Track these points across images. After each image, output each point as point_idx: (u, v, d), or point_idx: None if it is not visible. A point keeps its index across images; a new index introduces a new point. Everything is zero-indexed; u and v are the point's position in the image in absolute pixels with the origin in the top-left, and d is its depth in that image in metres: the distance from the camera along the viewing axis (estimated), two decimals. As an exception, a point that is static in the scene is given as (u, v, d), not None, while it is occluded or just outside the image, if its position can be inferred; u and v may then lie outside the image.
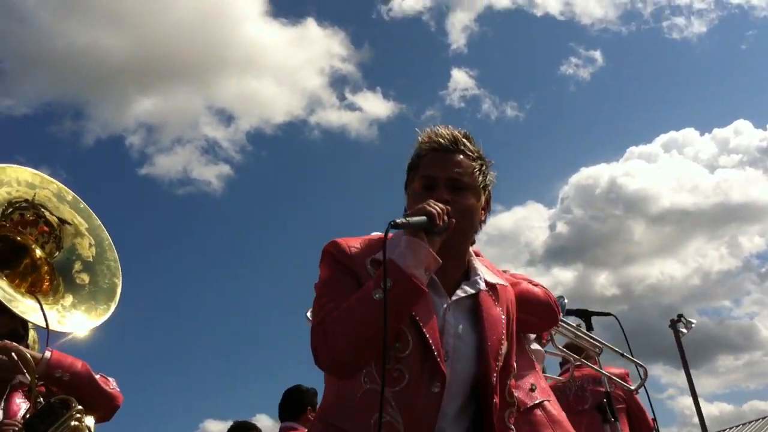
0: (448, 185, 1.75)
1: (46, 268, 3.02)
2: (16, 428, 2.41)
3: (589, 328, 3.53)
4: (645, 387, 3.66)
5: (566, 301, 3.19)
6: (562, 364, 4.26)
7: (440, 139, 1.79)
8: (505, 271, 2.58)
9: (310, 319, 1.79)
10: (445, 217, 1.65)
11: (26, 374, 2.51)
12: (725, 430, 20.10)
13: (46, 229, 3.00)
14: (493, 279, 1.85)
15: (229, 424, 4.68)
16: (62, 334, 2.90)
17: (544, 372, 3.24)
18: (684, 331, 4.50)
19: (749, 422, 19.64)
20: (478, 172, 1.79)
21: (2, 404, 2.58)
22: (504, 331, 1.78)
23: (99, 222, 3.13)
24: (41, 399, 2.53)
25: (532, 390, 2.55)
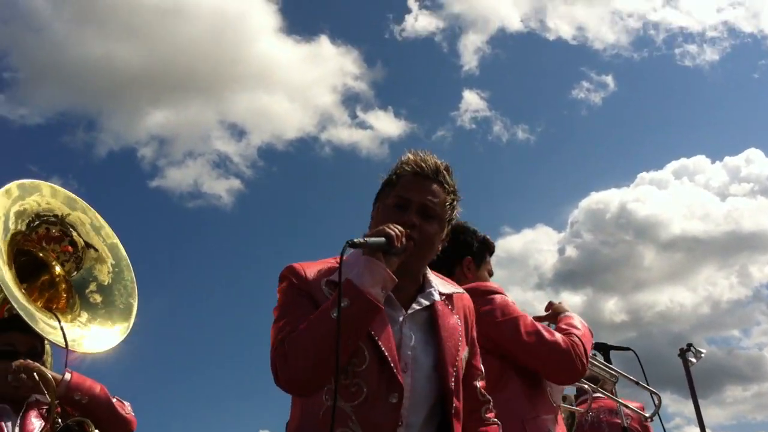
0: (419, 210, 1.81)
1: (64, 285, 3.02)
2: None
3: (608, 361, 3.52)
4: (659, 416, 3.66)
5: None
6: (578, 395, 4.25)
7: (423, 165, 1.86)
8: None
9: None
10: (404, 240, 1.70)
11: (46, 395, 2.49)
12: (732, 461, 19.94)
13: (69, 249, 3.00)
14: (448, 289, 1.91)
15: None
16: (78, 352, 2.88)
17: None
18: (693, 360, 4.45)
19: (756, 455, 19.47)
20: (448, 206, 1.86)
21: (18, 422, 2.57)
22: (461, 338, 1.83)
23: (122, 251, 3.14)
24: (59, 420, 2.50)
25: None
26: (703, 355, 4.49)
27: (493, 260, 3.03)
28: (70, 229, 2.99)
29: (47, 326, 2.73)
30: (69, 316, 2.91)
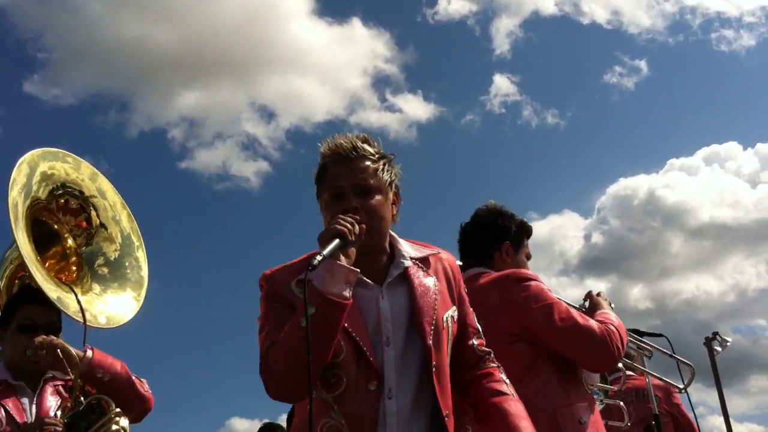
0: (355, 191, 1.83)
1: (74, 258, 3.01)
2: (59, 428, 2.38)
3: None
4: (687, 391, 3.61)
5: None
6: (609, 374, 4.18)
7: (339, 149, 1.87)
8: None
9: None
10: (356, 228, 1.72)
11: (65, 371, 2.48)
12: (755, 451, 19.73)
13: (84, 225, 2.99)
14: (421, 253, 1.93)
15: (255, 422, 4.84)
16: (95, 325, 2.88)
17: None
18: (719, 349, 4.34)
19: (779, 444, 19.24)
20: (381, 172, 1.87)
21: (35, 399, 2.56)
22: (437, 296, 1.85)
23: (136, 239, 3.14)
24: (82, 398, 2.50)
25: (580, 422, 2.45)
26: (728, 343, 4.40)
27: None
28: (91, 209, 2.99)
29: (66, 300, 2.73)
30: (80, 289, 2.91)
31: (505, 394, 1.92)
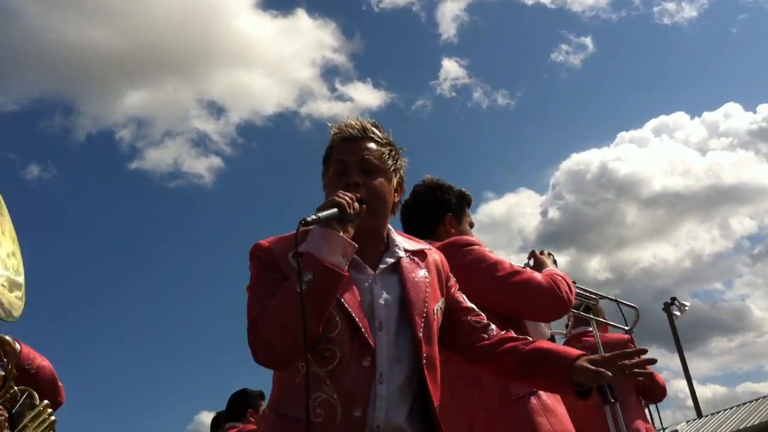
0: (358, 168, 1.85)
1: None
2: (3, 417, 2.38)
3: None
4: (632, 334, 3.73)
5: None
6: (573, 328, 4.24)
7: (350, 129, 1.91)
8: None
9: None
10: (356, 205, 1.73)
11: (7, 363, 2.49)
12: (719, 411, 19.98)
13: None
14: (415, 246, 1.96)
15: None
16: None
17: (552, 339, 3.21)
18: (677, 314, 4.63)
19: (743, 404, 19.58)
20: (387, 156, 1.90)
21: None
22: (429, 289, 1.88)
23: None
24: (15, 389, 2.50)
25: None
26: (687, 308, 4.56)
27: (476, 226, 3.05)
28: None
29: None
30: None
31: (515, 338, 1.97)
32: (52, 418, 2.47)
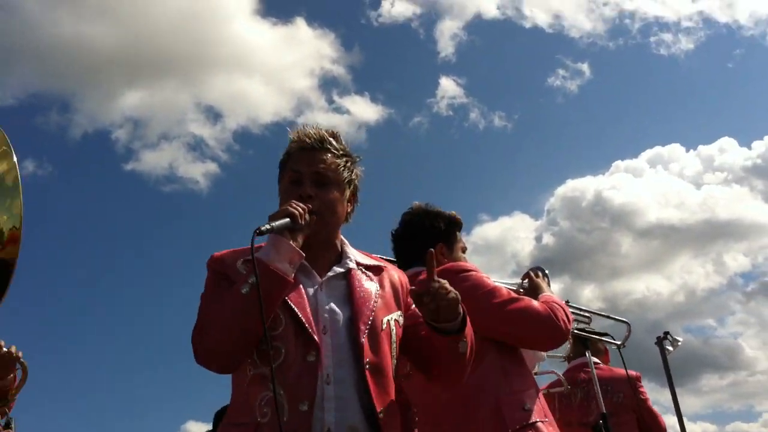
0: (313, 180, 1.89)
1: None
2: None
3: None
4: (620, 351, 3.67)
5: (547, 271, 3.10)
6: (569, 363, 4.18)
7: (307, 138, 1.94)
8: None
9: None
10: (307, 216, 1.79)
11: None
12: (709, 450, 20.22)
13: None
14: (370, 262, 1.99)
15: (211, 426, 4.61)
16: None
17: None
18: (670, 349, 4.47)
19: (732, 444, 19.68)
20: (342, 168, 1.94)
21: None
22: (378, 301, 1.89)
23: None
24: None
25: (524, 410, 2.40)
26: (680, 343, 4.44)
27: (470, 248, 3.00)
28: None
29: None
30: None
31: None
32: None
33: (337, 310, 1.84)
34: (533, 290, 2.77)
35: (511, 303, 2.51)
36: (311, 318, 1.78)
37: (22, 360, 2.53)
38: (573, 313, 3.33)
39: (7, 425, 2.46)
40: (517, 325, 2.50)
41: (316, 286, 1.86)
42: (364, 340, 1.80)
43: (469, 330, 1.88)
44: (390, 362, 1.87)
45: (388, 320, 1.89)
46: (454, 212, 2.87)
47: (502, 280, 2.76)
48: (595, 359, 4.06)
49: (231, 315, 1.71)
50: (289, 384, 1.71)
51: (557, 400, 3.95)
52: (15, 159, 2.70)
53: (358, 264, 1.95)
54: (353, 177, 1.98)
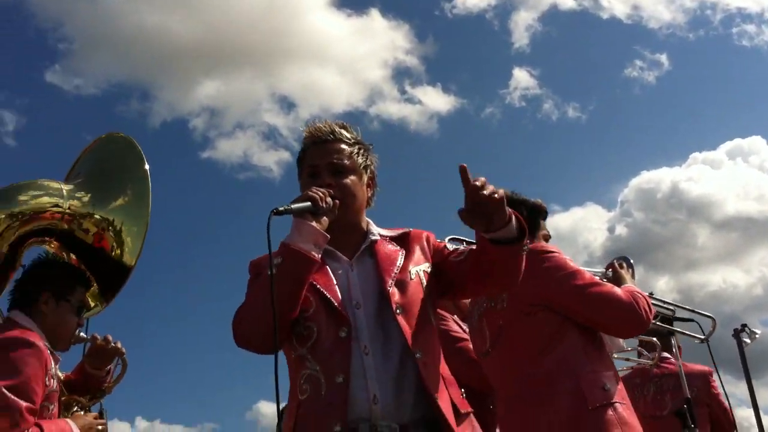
0: (329, 170, 1.96)
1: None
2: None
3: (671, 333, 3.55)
4: (708, 342, 3.63)
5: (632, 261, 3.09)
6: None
7: (319, 132, 2.02)
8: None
9: None
10: (328, 199, 1.83)
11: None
12: (784, 442, 19.36)
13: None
14: (394, 233, 2.05)
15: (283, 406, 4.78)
16: None
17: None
18: (747, 341, 4.33)
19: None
20: (356, 155, 2.00)
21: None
22: (402, 257, 1.95)
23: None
24: None
25: (604, 389, 2.41)
26: (758, 335, 4.35)
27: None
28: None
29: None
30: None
31: None
32: None
33: (368, 282, 1.90)
34: (616, 281, 2.76)
35: (593, 287, 2.52)
36: (339, 297, 1.84)
37: (124, 356, 2.67)
38: (656, 305, 3.32)
39: (100, 415, 2.57)
40: (597, 309, 2.50)
41: (346, 266, 1.93)
42: (391, 288, 1.86)
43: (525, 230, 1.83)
44: (425, 306, 1.91)
45: (417, 271, 1.95)
46: (539, 200, 2.89)
47: (586, 268, 2.75)
48: (667, 354, 4.04)
49: (259, 295, 1.78)
50: (323, 359, 1.78)
51: (630, 392, 3.96)
52: (147, 167, 2.86)
53: (382, 236, 2.01)
54: (368, 163, 2.05)
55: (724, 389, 3.96)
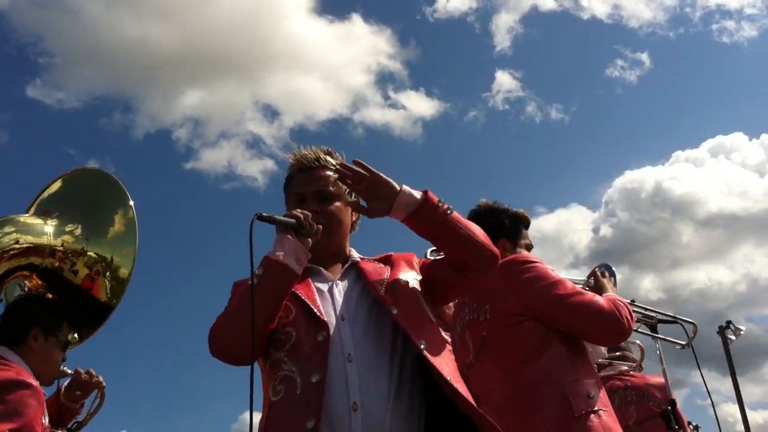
0: (315, 197, 2.01)
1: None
2: None
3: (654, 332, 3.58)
4: (693, 347, 3.63)
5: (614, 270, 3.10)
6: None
7: (304, 159, 2.07)
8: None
9: None
10: (312, 222, 1.86)
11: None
12: (770, 438, 19.58)
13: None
14: (374, 258, 2.08)
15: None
16: None
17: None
18: (732, 338, 4.37)
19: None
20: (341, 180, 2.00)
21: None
22: (389, 270, 1.98)
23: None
24: None
25: (589, 397, 2.43)
26: (742, 332, 4.39)
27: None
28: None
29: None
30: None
31: None
32: None
33: (352, 293, 1.91)
34: (598, 289, 2.77)
35: (575, 296, 2.54)
36: (319, 304, 1.85)
37: (104, 389, 2.72)
38: (637, 312, 3.35)
39: None
40: (579, 318, 2.52)
41: (330, 283, 1.94)
42: (384, 293, 1.88)
43: (433, 197, 1.90)
44: (422, 306, 1.93)
45: (407, 277, 1.97)
46: (522, 210, 2.90)
47: (569, 276, 2.76)
48: (625, 366, 4.06)
49: (237, 304, 1.82)
50: (300, 360, 1.77)
51: None
52: (132, 204, 2.82)
53: (364, 259, 2.05)
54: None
55: (707, 387, 3.98)
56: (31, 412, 2.21)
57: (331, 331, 1.80)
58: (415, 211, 1.88)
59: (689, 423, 3.89)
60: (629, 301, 2.77)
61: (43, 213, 2.85)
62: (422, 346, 1.79)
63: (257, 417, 1.68)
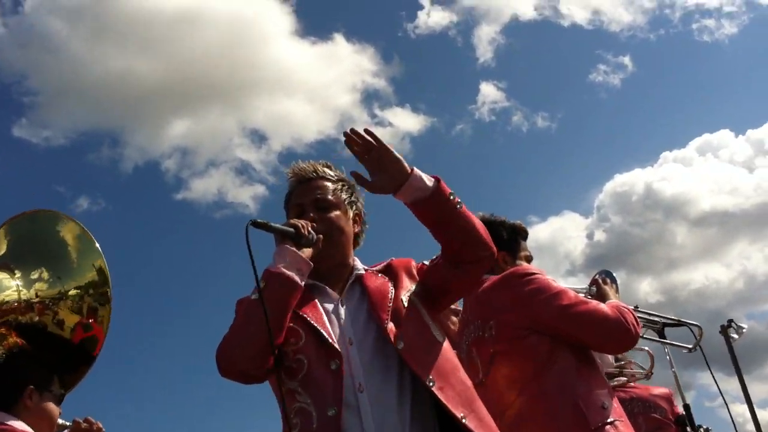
0: (314, 207, 1.98)
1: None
2: None
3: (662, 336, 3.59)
4: (701, 347, 3.63)
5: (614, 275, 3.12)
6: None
7: (302, 172, 2.06)
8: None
9: None
10: (309, 229, 1.85)
11: None
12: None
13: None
14: (376, 267, 2.05)
15: None
16: None
17: None
18: (735, 336, 4.38)
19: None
20: (340, 191, 2.03)
21: None
22: (391, 286, 1.94)
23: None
24: None
25: (603, 407, 2.41)
26: (744, 330, 4.41)
27: None
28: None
29: None
30: None
31: None
32: None
33: (358, 315, 1.88)
34: (600, 297, 2.76)
35: (579, 305, 2.52)
36: (329, 328, 1.82)
37: None
38: (642, 318, 3.35)
39: None
40: (585, 328, 2.49)
41: (336, 303, 1.91)
42: (389, 324, 1.83)
43: (445, 188, 1.87)
44: (426, 327, 1.90)
45: (405, 296, 1.93)
46: (519, 222, 2.90)
47: (569, 285, 2.75)
48: (624, 378, 4.07)
49: (242, 321, 1.80)
50: (314, 392, 1.74)
51: None
52: (68, 216, 2.68)
53: (368, 270, 2.02)
54: (353, 199, 2.06)
55: (719, 388, 3.98)
56: None
57: (343, 356, 1.78)
58: (424, 198, 1.84)
59: (699, 426, 3.88)
60: (633, 307, 2.76)
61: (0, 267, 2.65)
62: (431, 385, 1.77)
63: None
